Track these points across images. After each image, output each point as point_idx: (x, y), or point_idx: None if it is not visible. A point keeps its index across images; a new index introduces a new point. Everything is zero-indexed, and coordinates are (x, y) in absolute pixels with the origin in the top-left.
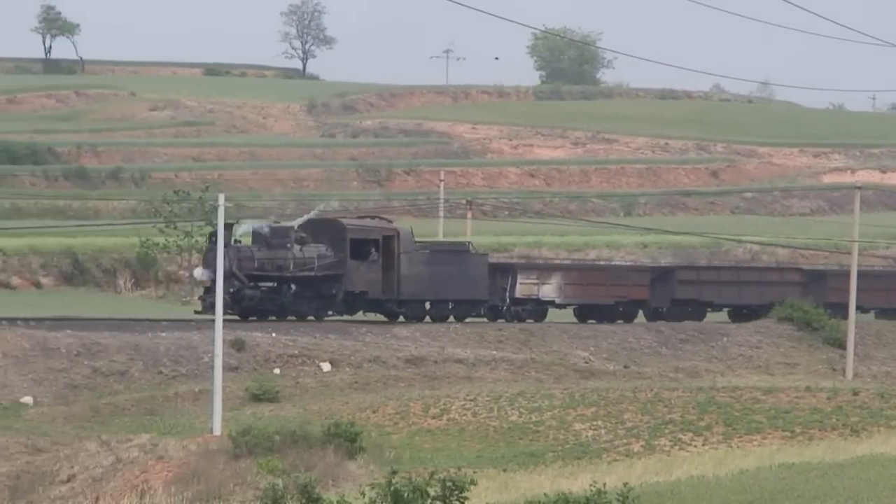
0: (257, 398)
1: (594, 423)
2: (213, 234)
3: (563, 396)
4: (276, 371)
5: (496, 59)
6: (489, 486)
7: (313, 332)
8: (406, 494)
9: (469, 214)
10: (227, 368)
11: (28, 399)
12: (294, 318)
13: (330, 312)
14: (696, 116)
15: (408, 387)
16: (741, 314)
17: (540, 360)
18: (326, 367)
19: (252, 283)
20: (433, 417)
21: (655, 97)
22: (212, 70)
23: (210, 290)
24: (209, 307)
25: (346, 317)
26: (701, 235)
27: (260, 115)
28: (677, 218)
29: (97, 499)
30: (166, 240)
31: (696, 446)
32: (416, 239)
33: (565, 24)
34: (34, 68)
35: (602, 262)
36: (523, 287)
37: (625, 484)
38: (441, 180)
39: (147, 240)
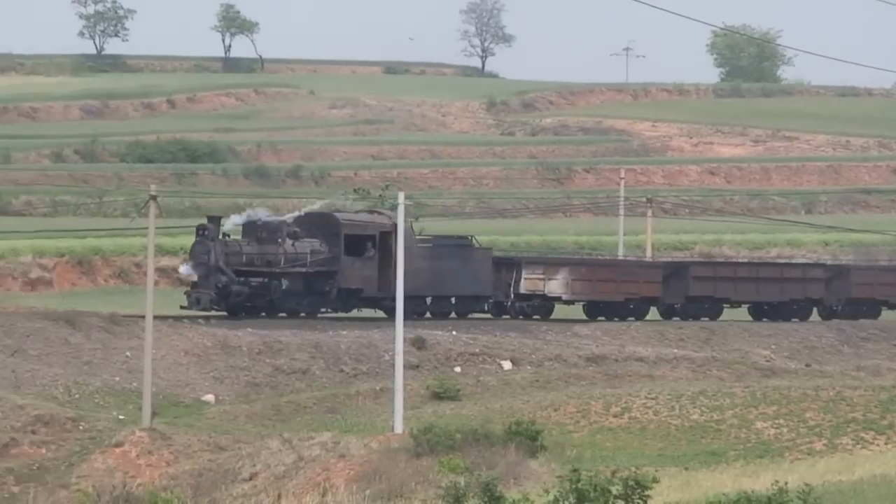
0: (438, 396)
1: (776, 421)
2: (200, 228)
3: (745, 395)
4: (457, 369)
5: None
6: (671, 485)
7: (494, 331)
8: (589, 493)
9: (649, 213)
10: (408, 367)
11: (210, 397)
12: (285, 314)
13: (323, 310)
14: (877, 114)
15: (589, 385)
16: (762, 311)
17: (721, 359)
18: (507, 365)
19: (241, 279)
20: (614, 416)
21: (836, 94)
22: (391, 68)
23: (196, 284)
24: (195, 302)
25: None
26: (882, 234)
27: (439, 113)
28: (858, 216)
29: (279, 496)
30: None
31: (878, 445)
32: (433, 235)
33: (745, 21)
34: (214, 67)
35: (611, 258)
36: (528, 282)
37: (806, 484)
38: (621, 178)
39: None
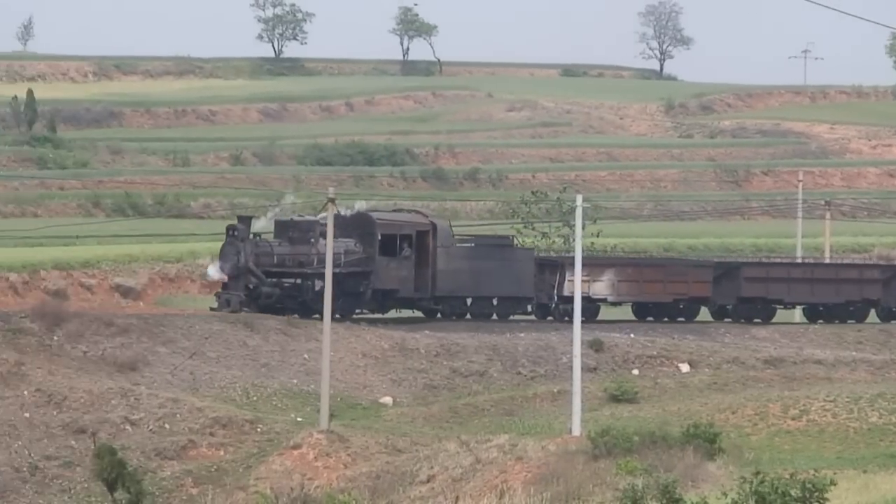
0: (616, 399)
1: None
2: (230, 228)
3: None
4: (635, 372)
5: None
6: (849, 488)
7: (671, 333)
8: (769, 495)
9: (827, 215)
10: (586, 369)
11: (387, 399)
12: (318, 316)
13: (358, 311)
14: None
15: (766, 388)
16: (817, 313)
17: None
18: (685, 367)
19: (274, 280)
20: (792, 419)
21: None
22: (569, 71)
23: (227, 286)
24: (224, 304)
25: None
26: None
27: (617, 115)
28: None
29: (457, 499)
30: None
31: None
32: (466, 234)
33: None
34: (392, 70)
35: (659, 257)
36: (572, 284)
37: None
38: (799, 181)
39: None
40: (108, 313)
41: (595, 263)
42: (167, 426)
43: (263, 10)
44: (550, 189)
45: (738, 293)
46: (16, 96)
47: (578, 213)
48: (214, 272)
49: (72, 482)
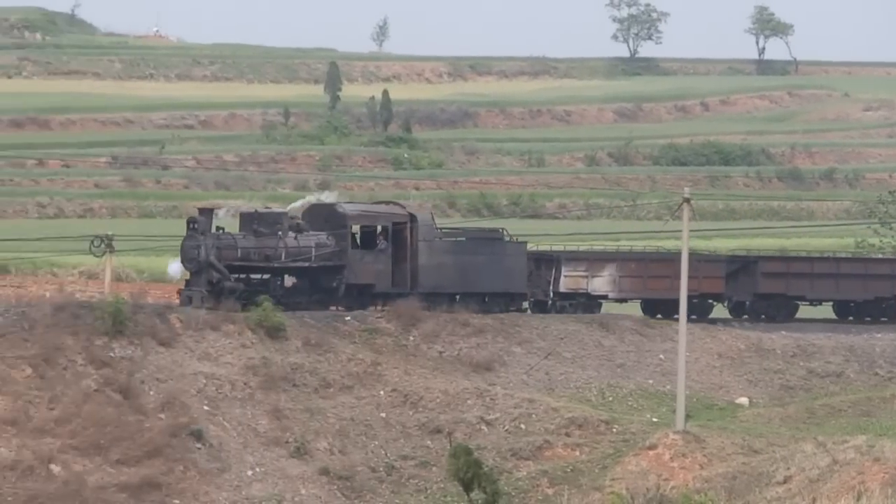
0: None
1: None
2: (191, 221)
3: None
4: None
5: None
6: None
7: None
8: None
9: None
10: None
11: (744, 400)
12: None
13: (333, 308)
14: None
15: None
16: (847, 309)
17: None
18: None
19: (241, 275)
20: None
21: None
22: None
23: (189, 282)
24: (185, 301)
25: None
26: None
27: None
28: None
29: (814, 500)
30: (881, 240)
31: None
32: (454, 227)
33: None
34: (747, 69)
35: (664, 252)
36: (568, 280)
37: None
38: None
39: (862, 241)
40: (464, 314)
41: (594, 258)
42: (523, 426)
43: (618, 10)
44: None
45: (755, 289)
46: (372, 97)
47: None
48: (175, 269)
49: (427, 482)
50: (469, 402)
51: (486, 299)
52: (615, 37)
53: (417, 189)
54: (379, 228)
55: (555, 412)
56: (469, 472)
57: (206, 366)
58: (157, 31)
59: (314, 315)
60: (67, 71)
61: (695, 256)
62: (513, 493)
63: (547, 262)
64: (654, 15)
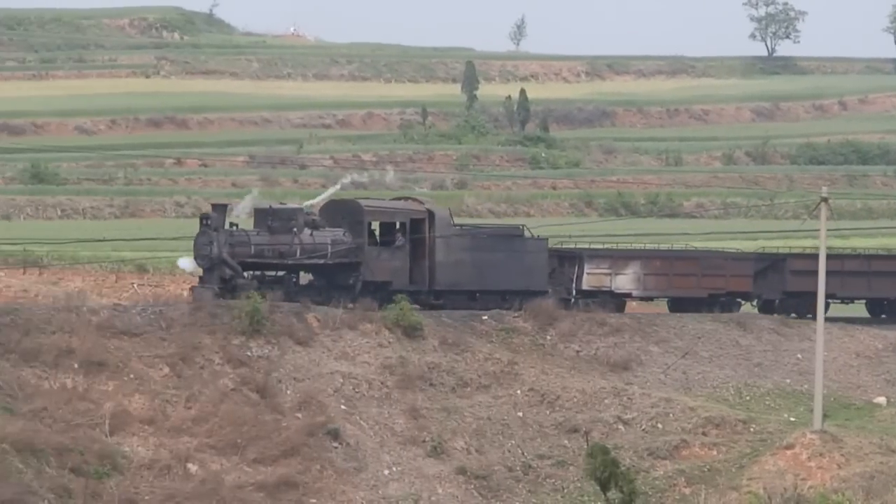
0: None
1: None
2: (203, 217)
3: None
4: None
5: None
6: None
7: None
8: None
9: None
10: None
11: (881, 399)
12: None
13: (349, 305)
14: None
15: None
16: (880, 308)
17: None
18: None
19: (257, 272)
20: None
21: None
22: None
23: (202, 279)
24: (198, 297)
25: None
26: None
27: None
28: None
29: None
30: None
31: None
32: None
33: None
34: (885, 68)
35: (691, 249)
36: (591, 277)
37: None
38: None
39: None
40: (601, 313)
41: (619, 255)
42: (659, 426)
43: (756, 9)
44: None
45: (784, 287)
46: (509, 96)
47: None
48: (187, 264)
49: (564, 481)
50: (606, 401)
51: (506, 297)
52: (753, 36)
53: (554, 188)
54: (397, 225)
55: (692, 412)
56: (606, 472)
57: (343, 365)
58: (295, 30)
59: (451, 314)
60: (205, 70)
61: (722, 254)
62: (649, 493)
63: (570, 259)
64: (792, 14)
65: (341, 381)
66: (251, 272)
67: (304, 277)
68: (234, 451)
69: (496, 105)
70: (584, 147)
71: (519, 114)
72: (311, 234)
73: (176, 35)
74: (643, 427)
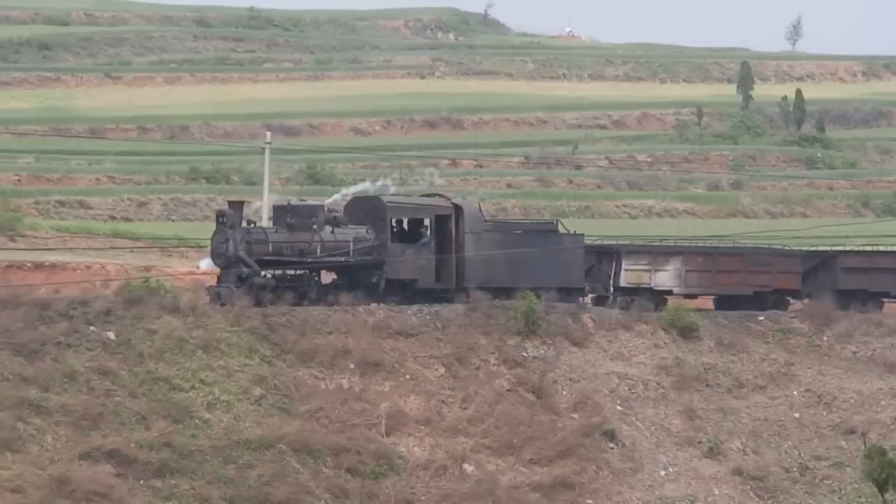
0: None
1: None
2: (219, 215)
3: None
4: None
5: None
6: None
7: None
8: None
9: None
10: None
11: None
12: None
13: (375, 305)
14: None
15: None
16: None
17: None
18: None
19: (276, 271)
20: None
21: None
22: None
23: (220, 278)
24: (215, 297)
25: None
26: None
27: None
28: None
29: None
30: None
31: None
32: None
33: None
34: None
35: (736, 246)
36: (630, 274)
37: None
38: None
39: None
40: (878, 314)
41: (659, 251)
42: None
43: None
44: None
45: (835, 285)
46: (785, 97)
47: None
48: (206, 264)
49: (841, 483)
50: (883, 402)
51: (540, 295)
52: None
53: (831, 189)
54: (424, 221)
55: None
56: (884, 473)
57: (618, 366)
58: (570, 31)
59: (727, 315)
60: (480, 71)
61: (769, 251)
62: None
63: (607, 255)
64: None
65: (617, 381)
66: (270, 271)
67: (327, 276)
68: (509, 451)
69: (771, 105)
70: (860, 147)
71: (795, 114)
72: (333, 232)
73: (451, 36)
74: None
